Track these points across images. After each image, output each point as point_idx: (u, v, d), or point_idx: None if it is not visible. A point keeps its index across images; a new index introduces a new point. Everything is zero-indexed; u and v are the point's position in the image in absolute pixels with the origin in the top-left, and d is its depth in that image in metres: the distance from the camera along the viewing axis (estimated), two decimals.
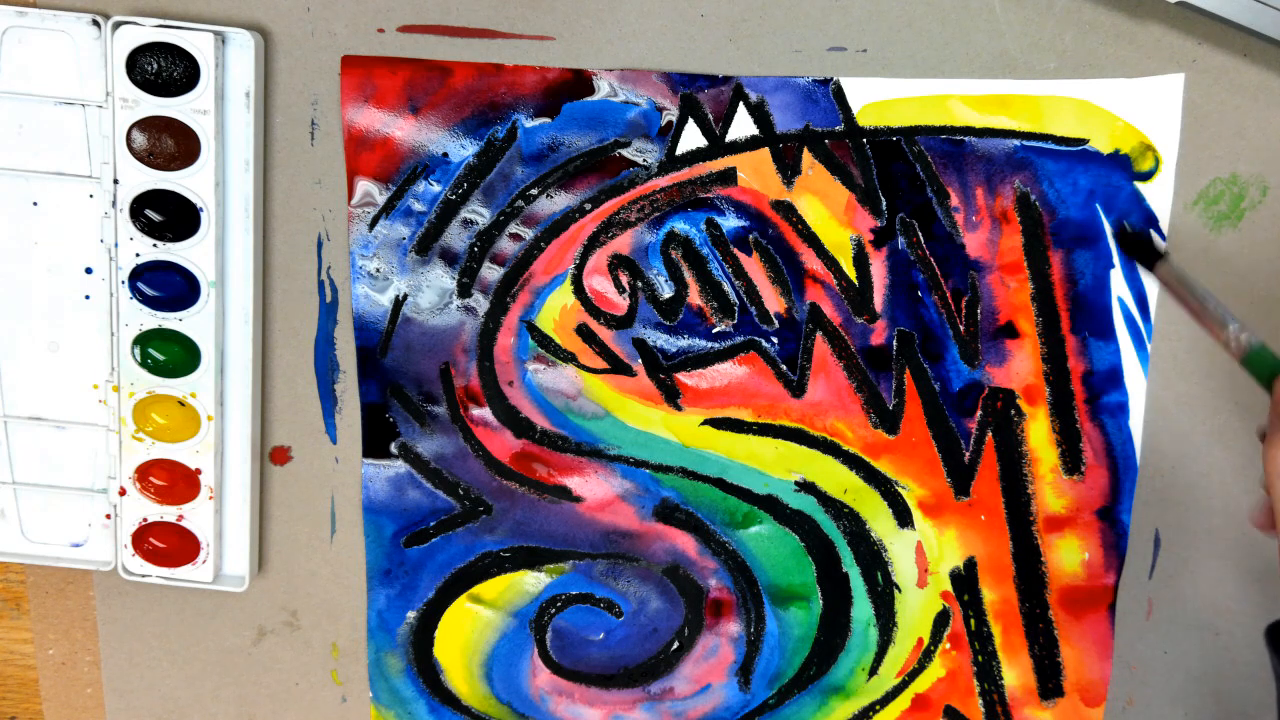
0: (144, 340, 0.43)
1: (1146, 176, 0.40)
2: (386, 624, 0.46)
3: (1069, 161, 0.40)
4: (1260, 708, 0.45)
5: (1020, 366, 0.42)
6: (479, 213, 0.42)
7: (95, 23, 0.40)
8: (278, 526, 0.46)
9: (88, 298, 0.43)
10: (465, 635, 0.46)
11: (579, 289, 0.43)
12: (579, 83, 0.41)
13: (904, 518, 0.44)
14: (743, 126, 0.41)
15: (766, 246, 0.42)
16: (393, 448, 0.44)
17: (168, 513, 0.44)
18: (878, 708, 0.46)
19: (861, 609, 0.45)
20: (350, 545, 0.46)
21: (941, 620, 0.45)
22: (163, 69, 0.40)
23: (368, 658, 0.47)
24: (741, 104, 0.41)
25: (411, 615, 0.46)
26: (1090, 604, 0.44)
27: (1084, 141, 0.40)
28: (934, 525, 0.44)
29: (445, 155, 0.42)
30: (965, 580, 0.44)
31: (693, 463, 0.44)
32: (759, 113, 0.41)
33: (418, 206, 0.42)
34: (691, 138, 0.41)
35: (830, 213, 0.41)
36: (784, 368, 0.43)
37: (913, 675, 0.46)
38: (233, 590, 0.46)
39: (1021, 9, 0.39)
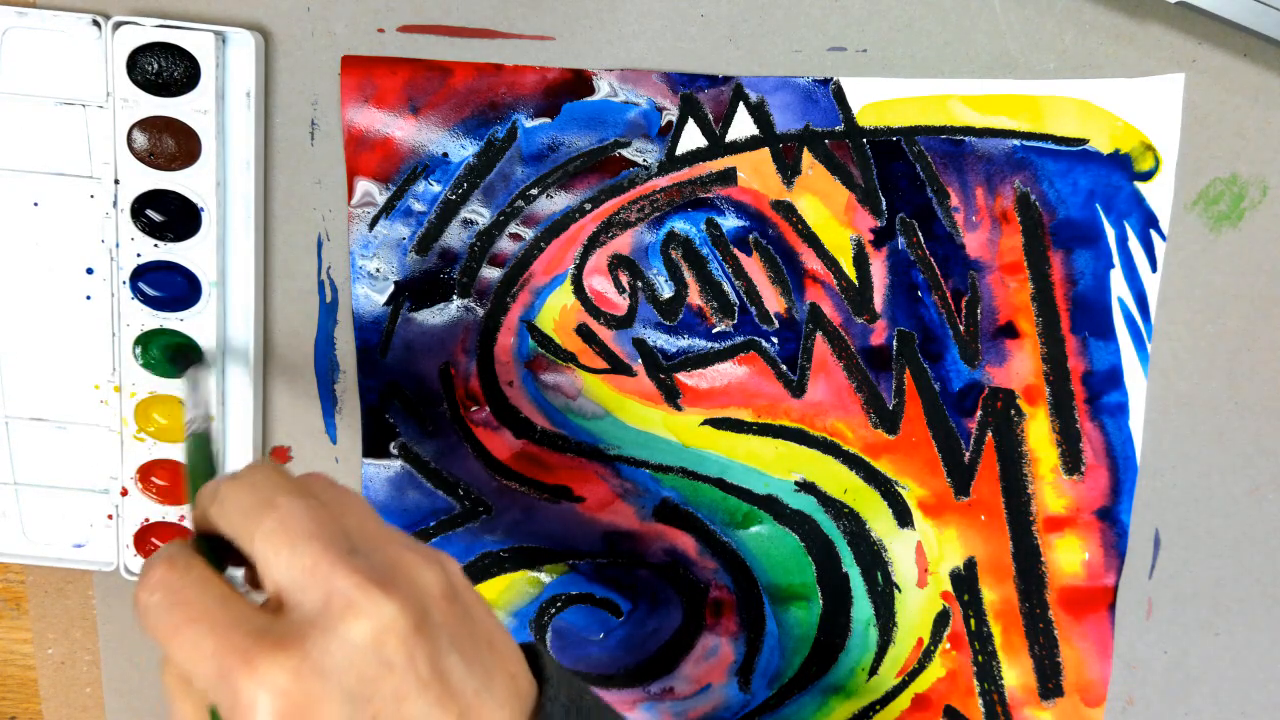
0: (145, 340, 0.43)
1: (1146, 176, 0.40)
2: None
3: (1069, 161, 0.40)
4: (1260, 708, 0.45)
5: (1020, 366, 0.42)
6: (479, 213, 0.42)
7: (95, 23, 0.40)
8: None
9: (89, 298, 0.43)
10: None
11: (579, 289, 0.43)
12: (579, 83, 0.41)
13: (904, 518, 0.44)
14: (743, 126, 0.41)
15: (766, 246, 0.42)
16: (392, 448, 0.45)
17: (170, 513, 0.44)
18: (878, 708, 0.46)
19: (861, 609, 0.45)
20: None
21: (941, 620, 0.45)
22: (163, 69, 0.40)
23: None
24: (741, 104, 0.41)
25: None
26: (1090, 604, 0.44)
27: (1084, 141, 0.40)
28: (934, 525, 0.44)
29: (445, 155, 0.42)
30: (965, 580, 0.44)
31: (693, 463, 0.44)
32: (759, 113, 0.41)
33: (418, 206, 0.42)
34: (691, 138, 0.41)
35: (830, 213, 0.41)
36: (784, 368, 0.43)
37: (913, 675, 0.46)
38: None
39: (1021, 9, 0.39)
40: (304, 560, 0.27)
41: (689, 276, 0.42)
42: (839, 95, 0.40)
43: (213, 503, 0.29)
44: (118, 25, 0.39)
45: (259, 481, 0.28)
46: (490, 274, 0.43)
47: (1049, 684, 0.45)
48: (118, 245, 0.42)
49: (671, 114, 0.41)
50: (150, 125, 0.40)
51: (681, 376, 0.43)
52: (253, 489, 0.28)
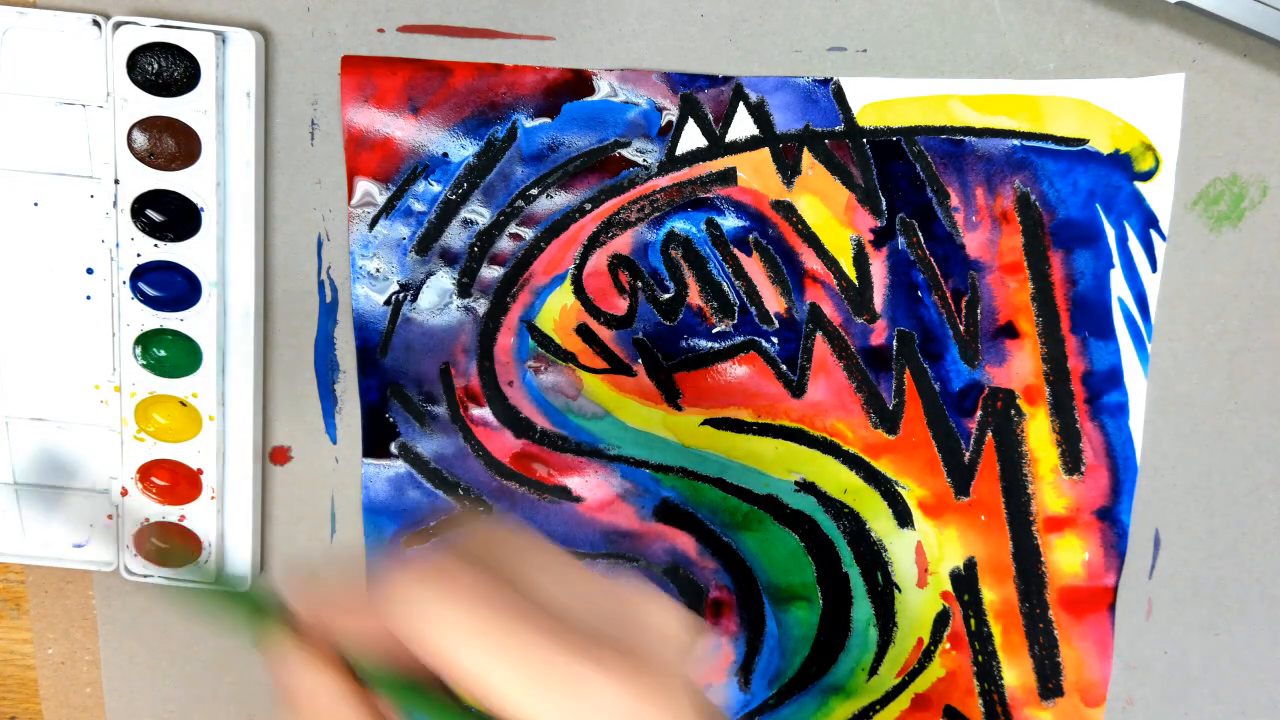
0: (145, 340, 0.43)
1: (1146, 176, 0.40)
2: None
3: (1069, 161, 0.40)
4: (1260, 708, 0.45)
5: (1020, 366, 0.42)
6: (479, 213, 0.42)
7: (95, 23, 0.40)
8: (277, 527, 0.46)
9: (89, 298, 0.43)
10: None
11: (579, 289, 0.43)
12: (579, 83, 0.41)
13: (904, 518, 0.44)
14: (743, 126, 0.41)
15: (766, 246, 0.42)
16: (393, 448, 0.44)
17: (169, 513, 0.44)
18: (877, 708, 0.46)
19: (861, 609, 0.45)
20: (350, 545, 0.46)
21: (941, 620, 0.45)
22: (163, 69, 0.40)
23: None
24: (741, 104, 0.41)
25: None
26: (1090, 604, 0.44)
27: (1084, 141, 0.40)
28: (934, 525, 0.44)
29: (445, 155, 0.42)
30: (965, 580, 0.44)
31: (693, 463, 0.44)
32: (759, 113, 0.41)
33: (418, 206, 0.42)
34: (691, 138, 0.41)
35: (830, 213, 0.41)
36: (784, 368, 0.43)
37: (913, 675, 0.46)
38: (235, 590, 0.46)
39: (1021, 9, 0.39)
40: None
41: (689, 276, 0.42)
42: (839, 95, 0.40)
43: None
44: (118, 25, 0.39)
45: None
46: (490, 274, 0.43)
47: (1049, 684, 0.45)
48: (118, 245, 0.42)
49: (671, 114, 0.41)
50: (150, 125, 0.40)
51: (681, 376, 0.43)
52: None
